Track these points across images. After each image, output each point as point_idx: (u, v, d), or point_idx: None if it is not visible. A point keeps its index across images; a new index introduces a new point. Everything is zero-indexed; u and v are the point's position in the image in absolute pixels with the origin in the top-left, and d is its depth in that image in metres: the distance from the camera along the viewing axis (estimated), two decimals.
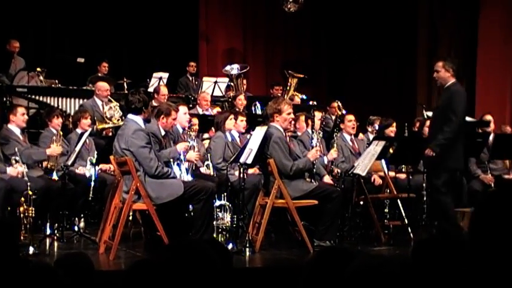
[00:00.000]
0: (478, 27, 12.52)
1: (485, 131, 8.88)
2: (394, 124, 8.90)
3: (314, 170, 7.01)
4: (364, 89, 13.60)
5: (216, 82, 11.55)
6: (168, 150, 6.93)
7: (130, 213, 6.77)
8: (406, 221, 7.63)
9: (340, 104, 11.16)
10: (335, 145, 7.67)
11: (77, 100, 10.08)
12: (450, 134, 6.84)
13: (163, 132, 7.06)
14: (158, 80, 11.13)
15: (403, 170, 8.40)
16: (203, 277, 2.00)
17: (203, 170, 7.70)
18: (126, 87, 11.32)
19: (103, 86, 9.37)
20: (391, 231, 7.62)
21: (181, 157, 6.97)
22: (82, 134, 7.28)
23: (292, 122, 7.35)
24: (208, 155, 7.86)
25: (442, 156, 6.87)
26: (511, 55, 12.17)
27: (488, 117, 9.12)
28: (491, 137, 8.62)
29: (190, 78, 12.61)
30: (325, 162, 7.74)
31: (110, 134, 8.80)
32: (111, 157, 6.39)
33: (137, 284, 2.00)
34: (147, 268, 2.03)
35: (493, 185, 8.57)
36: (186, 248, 2.16)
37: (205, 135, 9.00)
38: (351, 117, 8.43)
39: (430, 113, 8.79)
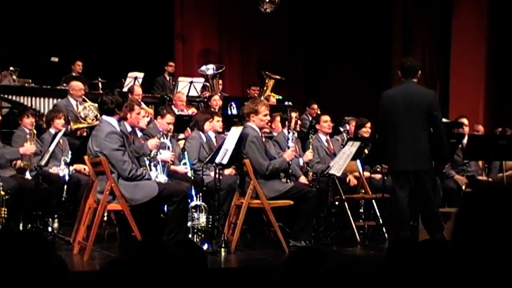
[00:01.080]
0: (452, 28, 12.61)
1: (460, 132, 8.91)
2: (368, 124, 8.86)
3: (290, 170, 7.02)
4: (340, 89, 13.65)
5: (191, 82, 11.53)
6: (138, 146, 6.84)
7: (105, 214, 6.72)
8: (380, 221, 7.66)
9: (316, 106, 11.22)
10: (310, 146, 7.69)
11: (50, 100, 9.99)
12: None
13: (129, 129, 6.92)
14: (133, 80, 11.08)
15: (378, 170, 8.43)
16: (169, 278, 1.99)
17: (180, 168, 7.61)
18: (100, 86, 11.25)
19: (77, 85, 9.28)
20: (366, 231, 7.66)
21: (153, 154, 6.86)
22: (56, 134, 7.21)
23: (268, 123, 7.36)
24: (186, 153, 7.78)
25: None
26: (484, 55, 12.27)
27: (464, 121, 9.14)
28: (465, 139, 8.66)
29: (168, 78, 12.56)
30: (301, 163, 7.75)
31: (85, 134, 8.74)
32: (86, 157, 6.34)
33: (111, 285, 1.98)
34: (121, 268, 2.01)
35: (464, 187, 8.61)
36: (152, 249, 2.15)
37: (181, 136, 8.96)
38: (326, 117, 8.43)
39: None
